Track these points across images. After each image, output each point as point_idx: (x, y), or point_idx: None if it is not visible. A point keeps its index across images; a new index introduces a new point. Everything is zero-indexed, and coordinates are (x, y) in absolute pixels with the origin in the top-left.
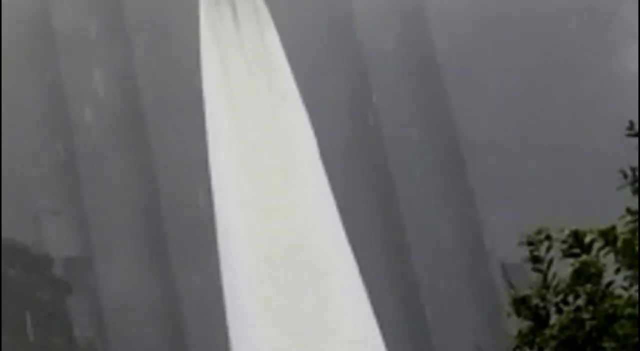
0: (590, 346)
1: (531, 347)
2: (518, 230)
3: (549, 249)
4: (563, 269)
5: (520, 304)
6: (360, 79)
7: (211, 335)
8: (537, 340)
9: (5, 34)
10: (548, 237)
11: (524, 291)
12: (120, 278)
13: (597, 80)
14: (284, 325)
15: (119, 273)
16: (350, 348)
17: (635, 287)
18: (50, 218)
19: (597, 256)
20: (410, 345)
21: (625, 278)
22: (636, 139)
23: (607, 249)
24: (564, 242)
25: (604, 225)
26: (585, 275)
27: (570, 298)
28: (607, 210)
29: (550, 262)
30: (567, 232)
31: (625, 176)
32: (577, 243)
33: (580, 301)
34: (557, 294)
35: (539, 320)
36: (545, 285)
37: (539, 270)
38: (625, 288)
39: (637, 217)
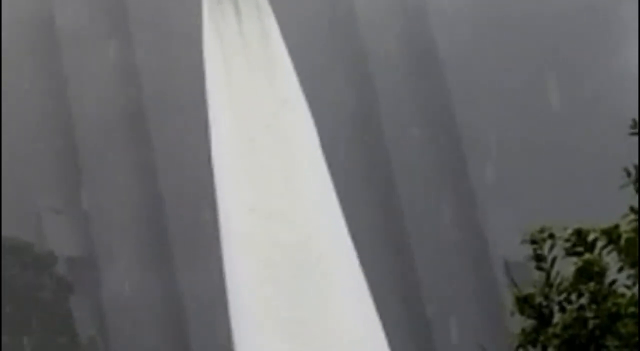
0: (593, 344)
1: (534, 346)
2: (520, 229)
3: (552, 247)
4: (566, 267)
5: (524, 302)
6: (361, 77)
7: (212, 332)
8: (541, 338)
9: (8, 32)
10: (551, 236)
11: (527, 289)
12: (122, 277)
13: (598, 80)
14: (284, 326)
15: (120, 272)
16: (350, 348)
17: (638, 286)
18: (52, 217)
19: (600, 254)
20: (412, 344)
21: (628, 277)
22: (637, 137)
23: (610, 248)
24: (567, 240)
25: (607, 224)
26: (588, 273)
27: (574, 297)
28: (609, 209)
29: (554, 260)
30: (570, 230)
31: (629, 174)
32: (580, 241)
33: (584, 300)
34: (560, 292)
35: (542, 318)
36: (549, 284)
37: (542, 269)
38: (628, 287)
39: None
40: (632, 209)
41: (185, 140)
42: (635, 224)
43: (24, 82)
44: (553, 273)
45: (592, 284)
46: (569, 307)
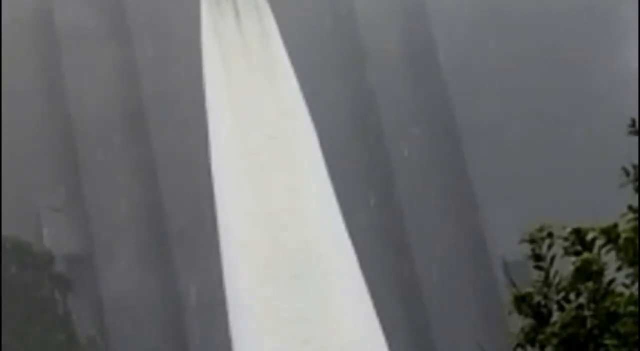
0: (592, 343)
1: (533, 345)
2: (519, 229)
3: (550, 247)
4: (565, 267)
5: (522, 302)
6: (361, 77)
7: (212, 332)
8: (539, 337)
9: (8, 32)
10: (550, 235)
11: (526, 288)
12: (121, 277)
13: (598, 80)
14: (285, 326)
15: (120, 271)
16: (350, 348)
17: (637, 285)
18: (52, 216)
19: (598, 254)
20: (412, 344)
21: (627, 276)
22: (637, 137)
23: (608, 247)
24: (565, 239)
25: (606, 223)
26: (587, 272)
27: (572, 296)
28: (608, 208)
29: (552, 259)
30: (569, 229)
31: (628, 173)
32: (578, 240)
33: (582, 299)
34: (558, 292)
35: (541, 317)
36: (547, 283)
37: (540, 268)
38: (626, 286)
39: (638, 214)
40: (630, 208)
41: (185, 140)
42: (634, 223)
43: (24, 82)
44: (552, 272)
45: (590, 283)
46: (567, 306)
